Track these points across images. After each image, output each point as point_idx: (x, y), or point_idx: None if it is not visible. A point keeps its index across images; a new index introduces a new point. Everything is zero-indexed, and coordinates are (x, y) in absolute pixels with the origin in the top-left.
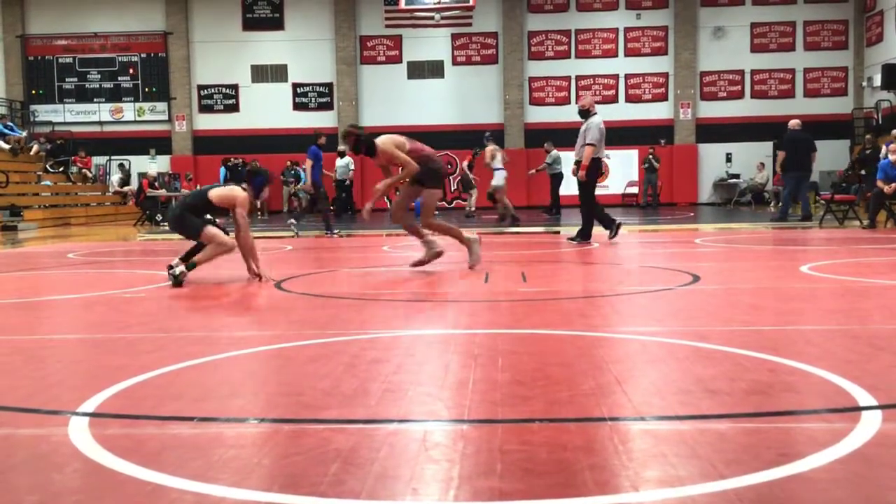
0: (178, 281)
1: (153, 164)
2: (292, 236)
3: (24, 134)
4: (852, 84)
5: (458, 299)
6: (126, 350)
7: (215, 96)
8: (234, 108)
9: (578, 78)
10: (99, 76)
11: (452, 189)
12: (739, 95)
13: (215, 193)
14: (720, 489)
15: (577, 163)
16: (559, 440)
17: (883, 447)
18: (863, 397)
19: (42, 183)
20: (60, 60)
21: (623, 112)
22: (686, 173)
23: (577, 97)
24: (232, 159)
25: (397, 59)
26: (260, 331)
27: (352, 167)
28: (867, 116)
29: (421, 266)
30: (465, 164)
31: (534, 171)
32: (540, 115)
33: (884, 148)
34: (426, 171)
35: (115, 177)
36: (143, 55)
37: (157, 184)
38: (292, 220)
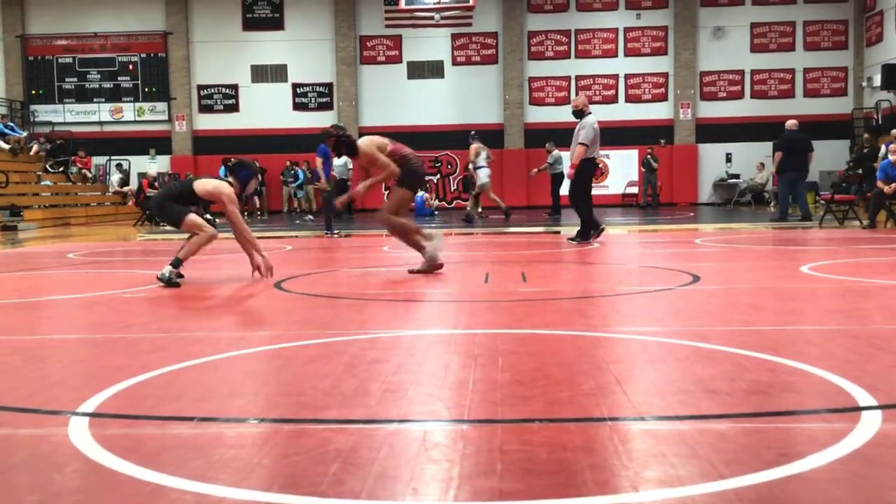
0: (171, 283)
1: (153, 165)
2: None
3: (25, 134)
4: (852, 84)
5: (458, 299)
6: (126, 350)
7: (215, 96)
8: (234, 108)
9: (578, 78)
10: (99, 76)
11: (453, 189)
12: (739, 95)
13: (201, 186)
14: (720, 489)
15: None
16: (559, 440)
17: (883, 447)
18: (863, 397)
19: (42, 183)
20: (60, 60)
21: (623, 112)
22: (686, 173)
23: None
24: (232, 159)
25: (397, 59)
26: (260, 331)
27: (350, 166)
28: (867, 116)
29: (424, 272)
30: (471, 166)
31: (536, 170)
32: (540, 116)
33: (883, 148)
34: (406, 172)
35: (115, 177)
36: (143, 55)
37: (157, 184)
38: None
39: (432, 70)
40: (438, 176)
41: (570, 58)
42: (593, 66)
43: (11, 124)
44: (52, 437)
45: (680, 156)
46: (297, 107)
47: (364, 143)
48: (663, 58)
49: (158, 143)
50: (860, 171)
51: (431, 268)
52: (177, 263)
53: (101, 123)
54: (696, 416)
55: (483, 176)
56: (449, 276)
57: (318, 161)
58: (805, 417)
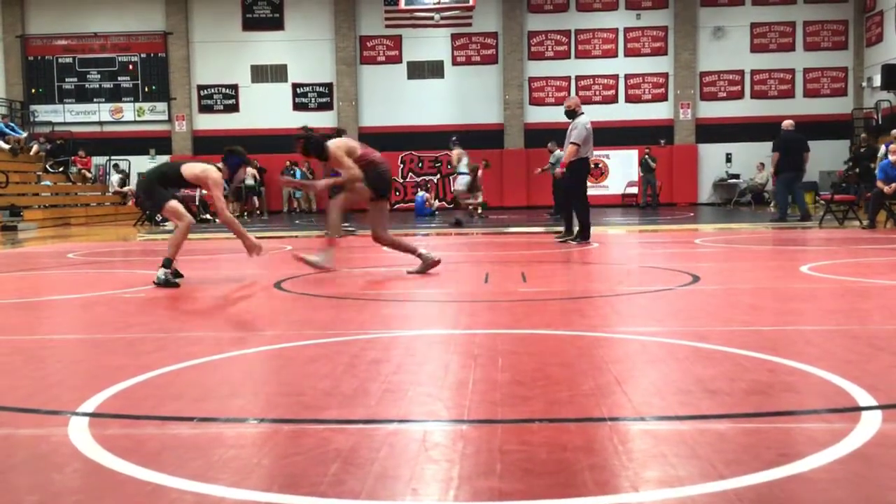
0: (169, 283)
1: (153, 165)
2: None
3: (25, 135)
4: (852, 84)
5: (458, 299)
6: (126, 350)
7: (215, 96)
8: (233, 108)
9: (578, 78)
10: (99, 76)
11: (453, 189)
12: (739, 95)
13: (188, 169)
14: (720, 489)
15: (569, 163)
16: (559, 440)
17: (883, 447)
18: (862, 397)
19: (42, 183)
20: (60, 60)
21: (623, 112)
22: (686, 173)
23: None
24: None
25: (397, 60)
26: (260, 331)
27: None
28: (867, 117)
29: (419, 274)
30: (478, 169)
31: (539, 170)
32: (540, 116)
33: (883, 148)
34: (375, 177)
35: (115, 177)
36: (143, 55)
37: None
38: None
39: (432, 70)
40: (438, 176)
41: (570, 58)
42: (593, 67)
43: (12, 124)
44: (52, 437)
45: (680, 156)
46: (297, 107)
47: (333, 144)
48: (663, 58)
49: (158, 143)
50: (857, 170)
51: (429, 267)
52: (168, 263)
53: (101, 123)
54: (695, 417)
55: (462, 182)
56: (449, 276)
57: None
58: (805, 417)
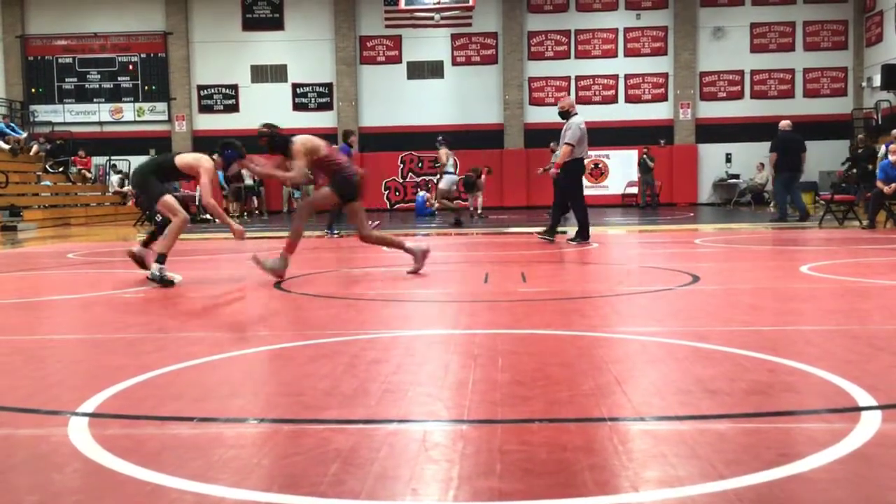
0: (164, 280)
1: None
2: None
3: (25, 135)
4: (852, 84)
5: (458, 299)
6: (126, 350)
7: (215, 96)
8: (233, 108)
9: (578, 78)
10: (99, 76)
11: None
12: (739, 96)
13: (181, 159)
14: (720, 489)
15: (563, 164)
16: (559, 440)
17: (882, 447)
18: (862, 397)
19: (42, 183)
20: (60, 60)
21: (623, 112)
22: (686, 173)
23: (574, 98)
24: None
25: (397, 60)
26: (260, 331)
27: None
28: (867, 117)
29: (418, 271)
30: (482, 173)
31: (541, 170)
32: (540, 116)
33: (883, 148)
34: (340, 181)
35: (115, 177)
36: (143, 55)
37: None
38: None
39: (432, 70)
40: (438, 176)
41: (569, 58)
42: (593, 67)
43: (12, 124)
44: (52, 437)
45: (680, 156)
46: (297, 107)
47: (299, 141)
48: (663, 58)
49: (158, 144)
50: (854, 171)
51: (422, 259)
52: (161, 259)
53: (100, 123)
54: (695, 417)
55: (447, 181)
56: (449, 276)
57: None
58: (805, 417)
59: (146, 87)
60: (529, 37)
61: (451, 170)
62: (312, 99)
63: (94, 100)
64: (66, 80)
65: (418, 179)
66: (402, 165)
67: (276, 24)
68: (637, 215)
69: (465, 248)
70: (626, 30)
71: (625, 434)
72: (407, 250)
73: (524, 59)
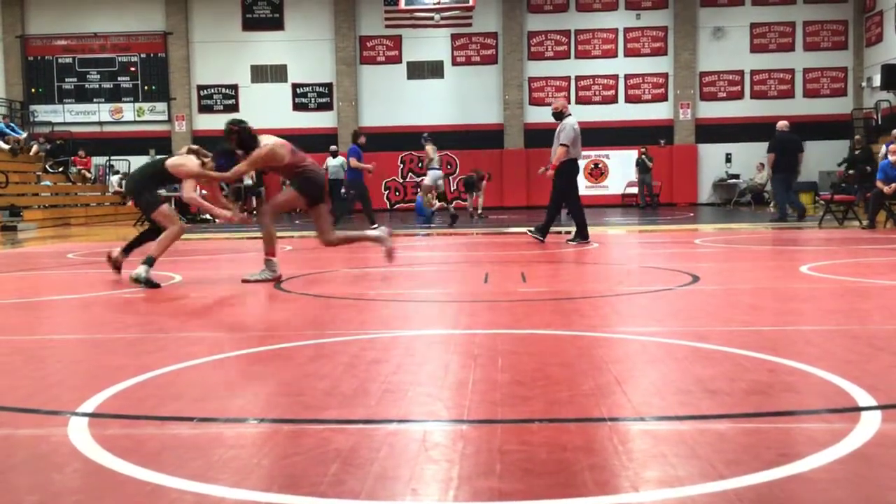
0: (149, 283)
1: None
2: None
3: (25, 135)
4: (852, 84)
5: (458, 299)
6: (126, 350)
7: (215, 96)
8: (233, 108)
9: (578, 78)
10: (98, 76)
11: (453, 189)
12: (739, 96)
13: (170, 162)
14: (720, 489)
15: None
16: (559, 440)
17: (882, 447)
18: (862, 397)
19: (42, 183)
20: (60, 60)
21: (623, 112)
22: (686, 174)
23: (574, 98)
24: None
25: (397, 60)
26: (260, 331)
27: (345, 167)
28: (867, 117)
29: (391, 255)
30: (483, 177)
31: (544, 169)
32: (539, 116)
33: (884, 148)
34: (303, 182)
35: (115, 177)
36: (143, 55)
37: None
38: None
39: (432, 70)
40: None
41: (569, 58)
42: (593, 67)
43: (12, 124)
44: (52, 437)
45: (680, 156)
46: (297, 107)
47: (264, 147)
48: (663, 58)
49: (158, 144)
50: (851, 171)
51: (390, 238)
52: (150, 262)
53: (100, 124)
54: (695, 417)
55: (431, 177)
56: (449, 276)
57: (353, 160)
58: (805, 417)
59: (146, 87)
60: (529, 37)
61: (437, 166)
62: (312, 99)
63: (94, 100)
64: (66, 80)
65: (418, 179)
66: (401, 165)
67: (276, 24)
68: (637, 215)
69: (465, 248)
70: (626, 30)
71: (625, 434)
72: (372, 239)
73: (524, 59)
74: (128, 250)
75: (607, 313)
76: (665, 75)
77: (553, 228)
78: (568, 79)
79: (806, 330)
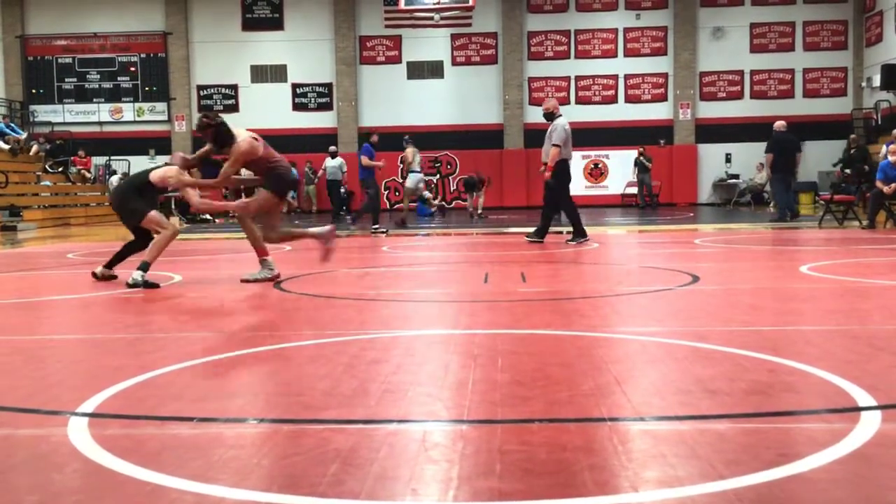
0: (148, 285)
1: (153, 165)
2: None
3: (25, 135)
4: (851, 84)
5: (458, 299)
6: (126, 350)
7: (215, 96)
8: (233, 108)
9: (578, 78)
10: (98, 76)
11: (452, 189)
12: (739, 96)
13: (155, 174)
14: (720, 489)
15: (545, 164)
16: (559, 440)
17: (882, 447)
18: (862, 397)
19: (41, 183)
20: (60, 60)
21: (622, 112)
22: (685, 174)
23: (574, 98)
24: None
25: (397, 60)
26: (260, 331)
27: (344, 169)
28: (866, 117)
29: (328, 256)
30: (485, 182)
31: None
32: (539, 116)
33: (884, 148)
34: (275, 179)
35: (115, 177)
36: (143, 55)
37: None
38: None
39: (432, 70)
40: (438, 176)
41: (569, 58)
42: (593, 67)
43: (12, 125)
44: (52, 437)
45: (679, 156)
46: (297, 107)
47: (243, 142)
48: (663, 58)
49: (158, 144)
50: (847, 171)
51: (331, 237)
52: (145, 267)
53: (100, 124)
54: (695, 417)
55: (412, 180)
56: (449, 276)
57: (365, 159)
58: (804, 418)
59: (146, 88)
60: (529, 37)
61: (417, 168)
62: (312, 99)
63: (94, 100)
64: (66, 80)
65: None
66: (401, 165)
67: (275, 24)
68: (636, 215)
69: (465, 248)
70: (626, 30)
71: (624, 434)
72: (312, 236)
73: (524, 59)
74: (111, 265)
75: (607, 313)
76: (665, 75)
77: (552, 228)
78: (568, 79)
79: (806, 330)
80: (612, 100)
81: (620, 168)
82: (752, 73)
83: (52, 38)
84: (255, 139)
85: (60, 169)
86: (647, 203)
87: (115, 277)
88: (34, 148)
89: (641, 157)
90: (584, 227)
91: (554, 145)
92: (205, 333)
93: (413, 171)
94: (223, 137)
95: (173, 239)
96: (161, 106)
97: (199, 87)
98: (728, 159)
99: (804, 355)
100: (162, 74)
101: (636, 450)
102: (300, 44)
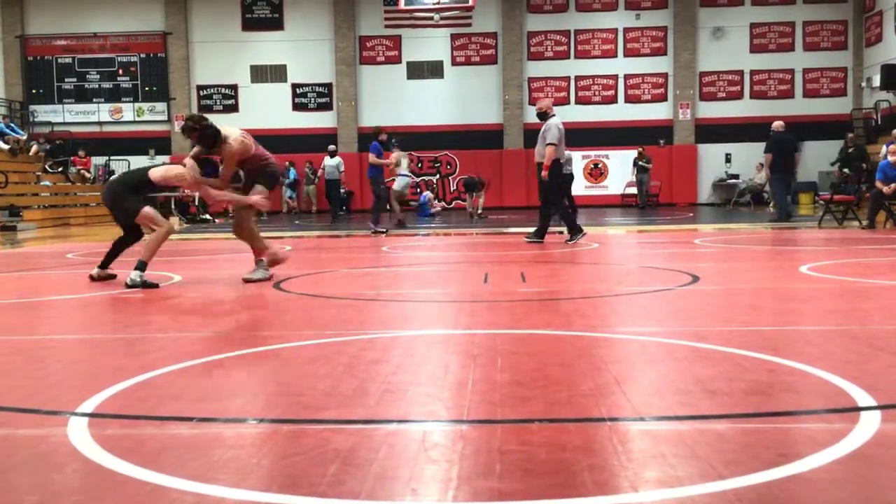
0: (146, 284)
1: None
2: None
3: (25, 135)
4: (851, 84)
5: (458, 299)
6: (125, 350)
7: (214, 96)
8: (233, 108)
9: (577, 78)
10: (98, 76)
11: (452, 189)
12: (739, 96)
13: (155, 173)
14: (719, 489)
15: (540, 164)
16: (558, 440)
17: (882, 447)
18: (862, 397)
19: (41, 183)
20: (60, 61)
21: (622, 112)
22: (685, 174)
23: (574, 98)
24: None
25: (397, 60)
26: (260, 331)
27: (342, 168)
28: (866, 117)
29: (274, 264)
30: (484, 185)
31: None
32: None
33: (884, 148)
34: (269, 176)
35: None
36: (143, 55)
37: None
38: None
39: (432, 70)
40: (438, 176)
41: (569, 58)
42: (593, 67)
43: (12, 125)
44: (52, 438)
45: (679, 156)
46: (297, 107)
47: (234, 141)
48: (663, 58)
49: (158, 144)
50: (845, 170)
51: (277, 257)
52: (142, 266)
53: (100, 124)
54: (695, 417)
55: (400, 183)
56: (449, 276)
57: (373, 157)
58: (804, 418)
59: (146, 88)
60: (529, 37)
61: (405, 171)
62: (312, 99)
63: (94, 100)
64: (66, 80)
65: (418, 179)
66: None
67: (275, 24)
68: (636, 215)
69: (465, 248)
70: (626, 30)
71: (624, 434)
72: (267, 252)
73: (524, 59)
74: (105, 264)
75: (607, 313)
76: (665, 75)
77: (551, 228)
78: (567, 79)
79: (806, 330)
80: (612, 100)
81: (620, 168)
82: (752, 73)
83: (51, 38)
84: (247, 135)
85: (60, 169)
86: (647, 203)
87: (113, 277)
88: (34, 148)
89: (641, 161)
90: (576, 222)
91: (550, 144)
92: (205, 333)
93: (400, 175)
94: (209, 139)
95: (168, 236)
96: (161, 106)
97: (199, 87)
98: (728, 159)
99: (804, 355)
100: (162, 74)
101: (636, 450)
102: (300, 44)
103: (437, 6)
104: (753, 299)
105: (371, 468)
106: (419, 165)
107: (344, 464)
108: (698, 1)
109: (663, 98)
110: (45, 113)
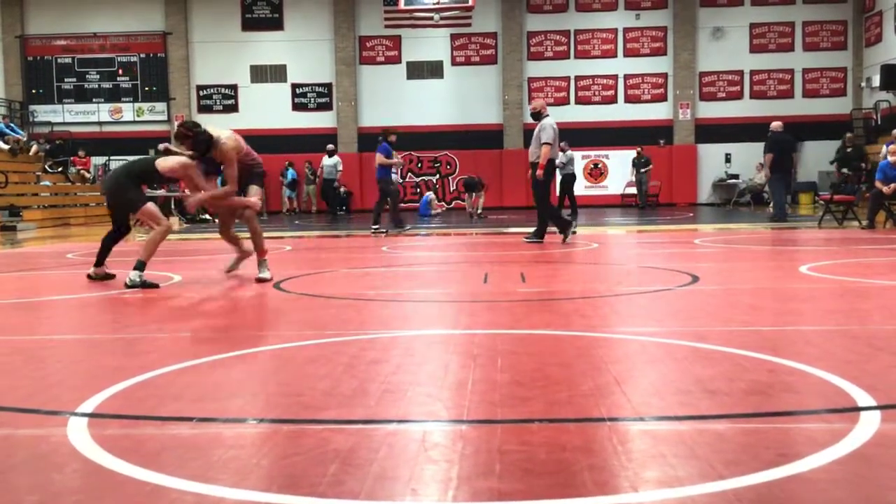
0: (146, 284)
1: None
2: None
3: (25, 135)
4: (851, 84)
5: (458, 299)
6: (125, 350)
7: (214, 97)
8: (233, 108)
9: (577, 78)
10: (98, 76)
11: (452, 189)
12: (738, 96)
13: (163, 163)
14: (719, 489)
15: (533, 164)
16: (558, 440)
17: (882, 447)
18: (861, 397)
19: (41, 183)
20: (59, 61)
21: (622, 112)
22: (685, 174)
23: (574, 98)
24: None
25: (396, 60)
26: (260, 331)
27: (339, 168)
28: (866, 117)
29: (240, 260)
30: (484, 186)
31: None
32: None
33: (884, 148)
34: (259, 177)
35: None
36: (143, 55)
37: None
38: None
39: (432, 70)
40: (438, 176)
41: (569, 58)
42: (592, 67)
43: (12, 125)
44: (52, 438)
45: (679, 156)
46: (297, 107)
47: (228, 142)
48: (662, 58)
49: (158, 144)
50: (844, 170)
51: (243, 262)
52: (141, 266)
53: (100, 124)
54: (695, 417)
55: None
56: (449, 276)
57: (381, 157)
58: (804, 418)
59: (145, 88)
60: (529, 37)
61: (395, 170)
62: (312, 99)
63: (94, 100)
64: (66, 80)
65: (417, 179)
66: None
67: (275, 24)
68: (636, 215)
69: (465, 248)
70: (626, 30)
71: (624, 434)
72: (243, 252)
73: (524, 59)
74: (99, 263)
75: (607, 313)
76: (664, 75)
77: (550, 228)
78: (567, 79)
79: (805, 330)
80: (612, 100)
81: (620, 168)
82: (752, 73)
83: (51, 38)
84: (236, 133)
85: (60, 169)
86: (647, 203)
87: (113, 276)
88: (34, 148)
89: (640, 163)
90: (562, 217)
91: (546, 143)
92: (204, 333)
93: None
94: (202, 145)
95: (167, 235)
96: (161, 106)
97: (199, 87)
98: (728, 159)
99: (804, 355)
100: (161, 74)
101: (636, 450)
102: (300, 44)
103: (436, 6)
104: (753, 299)
105: (371, 468)
106: (419, 165)
107: (344, 464)
108: (698, 1)
109: (663, 98)
110: (45, 113)
